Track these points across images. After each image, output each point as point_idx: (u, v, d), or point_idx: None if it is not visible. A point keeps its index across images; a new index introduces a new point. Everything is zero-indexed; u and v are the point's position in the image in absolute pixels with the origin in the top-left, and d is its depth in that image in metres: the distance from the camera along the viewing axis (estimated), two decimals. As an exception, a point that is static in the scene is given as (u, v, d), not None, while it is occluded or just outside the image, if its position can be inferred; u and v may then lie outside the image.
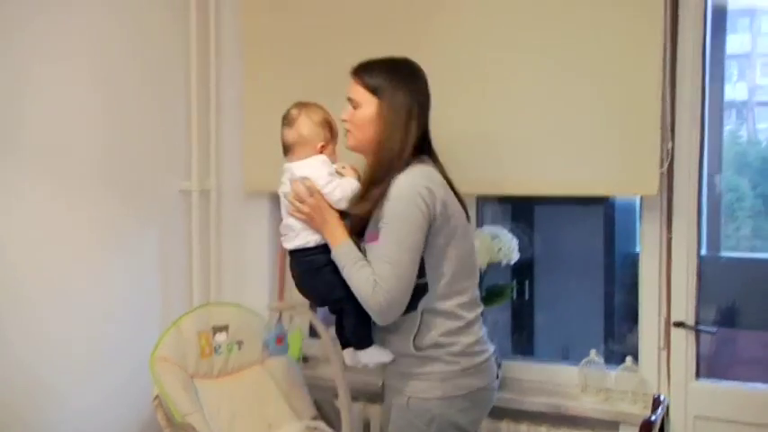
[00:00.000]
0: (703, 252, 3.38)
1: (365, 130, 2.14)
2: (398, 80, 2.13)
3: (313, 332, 3.03)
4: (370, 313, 2.05)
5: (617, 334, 3.33)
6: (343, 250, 2.09)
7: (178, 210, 3.06)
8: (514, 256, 2.73)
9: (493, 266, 2.72)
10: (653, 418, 1.95)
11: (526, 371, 2.82)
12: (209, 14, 3.13)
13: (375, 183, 2.10)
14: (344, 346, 2.25)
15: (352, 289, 2.06)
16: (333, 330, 2.32)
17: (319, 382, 2.88)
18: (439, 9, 2.74)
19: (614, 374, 2.62)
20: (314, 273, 2.16)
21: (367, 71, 2.15)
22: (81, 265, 2.65)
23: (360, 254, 2.09)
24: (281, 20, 3.01)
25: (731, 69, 3.84)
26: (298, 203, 2.15)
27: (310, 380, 2.87)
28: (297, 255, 2.19)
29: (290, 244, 2.20)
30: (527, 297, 3.59)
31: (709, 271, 3.15)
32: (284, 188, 2.22)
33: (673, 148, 2.51)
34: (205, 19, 3.12)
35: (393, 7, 2.81)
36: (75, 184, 2.62)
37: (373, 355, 2.18)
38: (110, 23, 2.75)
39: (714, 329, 2.57)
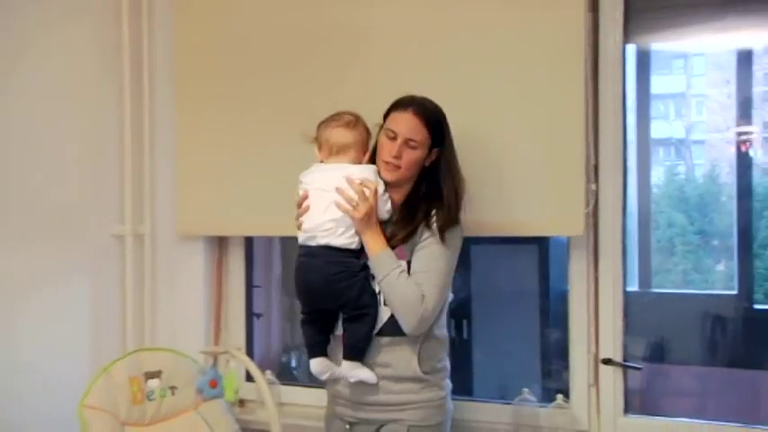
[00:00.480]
0: (635, 288, 3.47)
1: (413, 169, 2.23)
2: (447, 129, 2.28)
3: (249, 375, 3.01)
4: (406, 323, 2.13)
5: (552, 371, 3.37)
6: (387, 257, 2.16)
7: (111, 254, 3.03)
8: (450, 296, 2.76)
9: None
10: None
11: (465, 410, 2.84)
12: (143, 55, 3.12)
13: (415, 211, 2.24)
14: (317, 355, 2.25)
15: (391, 296, 2.13)
16: (320, 361, 2.27)
17: (254, 426, 2.86)
18: (366, 44, 2.78)
19: (546, 412, 2.65)
20: (348, 276, 2.16)
21: (430, 116, 2.23)
22: (8, 311, 2.60)
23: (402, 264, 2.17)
24: (214, 61, 3.02)
25: (668, 108, 3.98)
26: (357, 202, 2.16)
27: (246, 423, 2.85)
28: (333, 253, 2.18)
29: (333, 240, 2.17)
30: (465, 336, 3.62)
31: (640, 307, 3.24)
32: (333, 183, 2.19)
33: (597, 189, 2.58)
34: (138, 60, 3.12)
35: (317, 45, 2.84)
36: (3, 229, 2.59)
37: (362, 372, 2.19)
38: (41, 63, 2.74)
39: (640, 366, 2.63)
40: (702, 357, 3.28)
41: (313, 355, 2.24)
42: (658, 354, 3.19)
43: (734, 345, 3.26)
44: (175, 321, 3.13)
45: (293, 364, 3.61)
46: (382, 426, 2.23)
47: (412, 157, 2.19)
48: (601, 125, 2.60)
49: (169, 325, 3.14)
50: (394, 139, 2.19)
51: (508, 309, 3.69)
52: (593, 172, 2.58)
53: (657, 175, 3.73)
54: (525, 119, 2.57)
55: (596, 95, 2.59)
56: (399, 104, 2.24)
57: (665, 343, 3.24)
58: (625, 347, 2.64)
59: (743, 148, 3.24)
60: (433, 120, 2.22)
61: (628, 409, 2.65)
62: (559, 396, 2.66)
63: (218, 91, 3.01)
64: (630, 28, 2.65)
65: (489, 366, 3.64)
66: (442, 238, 2.17)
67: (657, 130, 3.80)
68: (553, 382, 3.27)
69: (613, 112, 2.59)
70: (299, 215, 2.24)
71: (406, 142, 2.18)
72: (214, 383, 2.71)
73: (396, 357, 2.19)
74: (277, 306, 3.53)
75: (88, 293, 2.93)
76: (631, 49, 2.87)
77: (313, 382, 3.62)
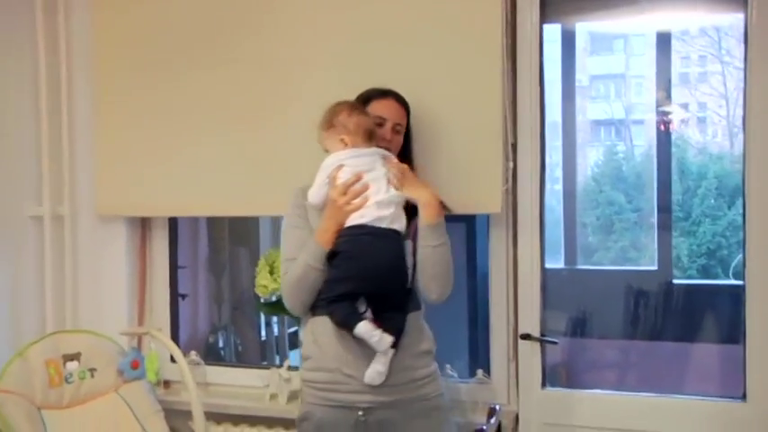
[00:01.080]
0: (560, 265, 3.54)
1: (398, 147, 2.33)
2: None
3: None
4: (446, 289, 2.24)
5: (478, 348, 3.44)
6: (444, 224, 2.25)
7: (29, 236, 2.97)
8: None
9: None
10: (484, 426, 2.05)
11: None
12: (59, 33, 3.05)
13: None
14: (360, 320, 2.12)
15: (442, 263, 2.21)
16: (369, 323, 2.12)
17: (179, 407, 2.84)
18: (284, 29, 2.77)
19: (467, 387, 2.70)
20: (403, 258, 2.18)
21: (405, 102, 2.35)
22: None
23: None
24: (133, 37, 2.96)
25: (608, 89, 4.06)
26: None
27: (170, 404, 2.84)
28: (398, 237, 2.18)
29: (398, 224, 2.19)
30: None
31: (562, 283, 3.31)
32: (381, 167, 2.21)
33: (516, 167, 2.62)
34: (54, 37, 3.04)
35: (235, 26, 2.83)
36: None
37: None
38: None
39: (557, 340, 2.69)
40: (623, 331, 3.38)
41: (358, 320, 2.11)
42: (582, 329, 3.28)
43: (654, 318, 3.37)
44: (98, 304, 3.08)
45: (220, 344, 3.62)
46: (403, 410, 2.17)
47: (399, 141, 2.31)
48: (519, 105, 2.63)
49: (92, 308, 3.09)
50: (381, 125, 2.26)
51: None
52: (512, 151, 2.61)
53: (597, 155, 3.83)
54: (445, 99, 2.59)
55: (515, 76, 2.62)
56: (377, 94, 2.32)
57: (587, 318, 3.33)
58: (544, 323, 2.69)
59: (662, 128, 3.34)
60: (407, 106, 2.35)
61: (547, 382, 2.71)
62: (480, 371, 2.71)
63: (138, 68, 2.96)
64: (550, 9, 2.68)
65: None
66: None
67: (597, 111, 3.90)
68: (478, 359, 3.35)
69: (530, 92, 2.62)
70: (355, 196, 2.16)
71: (394, 127, 2.28)
72: (136, 364, 2.69)
73: (416, 332, 2.23)
74: (204, 286, 3.52)
75: (5, 277, 2.87)
76: (555, 29, 2.92)
77: (241, 362, 3.65)
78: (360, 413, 2.14)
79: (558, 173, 3.37)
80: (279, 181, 2.69)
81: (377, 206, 2.14)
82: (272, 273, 2.73)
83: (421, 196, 2.19)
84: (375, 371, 2.10)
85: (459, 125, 2.58)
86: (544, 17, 2.65)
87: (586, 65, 3.62)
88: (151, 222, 3.13)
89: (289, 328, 3.72)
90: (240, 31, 2.82)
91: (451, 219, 3.39)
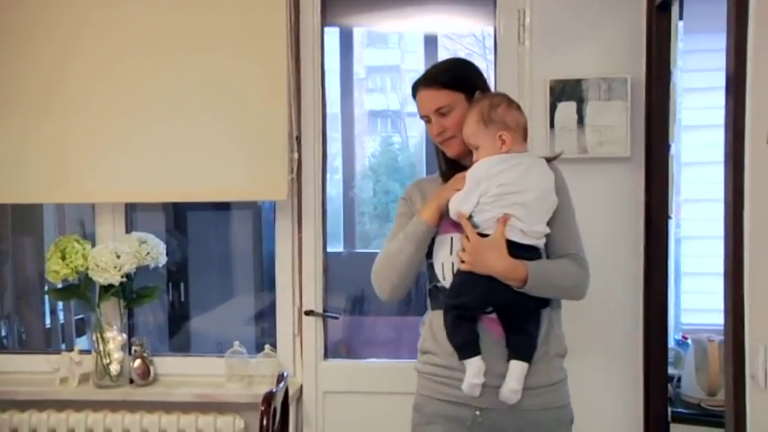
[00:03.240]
0: (340, 249, 3.81)
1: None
2: (474, 71, 2.14)
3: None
4: (574, 296, 2.01)
5: (266, 326, 3.64)
6: None
7: None
8: (162, 259, 2.92)
9: (142, 269, 2.90)
10: (274, 389, 2.26)
11: (179, 365, 3.03)
12: None
13: None
14: (476, 353, 1.94)
15: (563, 278, 1.96)
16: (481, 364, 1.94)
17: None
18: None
19: (255, 361, 2.91)
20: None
21: (441, 78, 2.08)
22: None
23: None
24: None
25: (384, 82, 4.31)
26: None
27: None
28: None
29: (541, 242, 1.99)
30: (182, 298, 3.78)
31: (344, 265, 3.58)
32: (539, 183, 1.99)
33: (300, 158, 2.86)
34: None
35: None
36: None
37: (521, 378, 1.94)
38: None
39: (338, 315, 2.97)
40: (395, 308, 3.71)
41: (473, 353, 1.94)
42: (360, 307, 3.56)
43: (418, 297, 3.73)
44: None
45: (3, 333, 3.56)
46: (521, 417, 1.96)
47: (452, 119, 2.05)
48: (303, 100, 2.87)
49: None
50: (429, 121, 2.09)
51: (224, 271, 3.91)
52: (297, 143, 2.85)
53: (374, 146, 4.09)
54: (236, 97, 2.79)
55: (299, 74, 2.86)
56: (413, 90, 2.14)
57: (365, 297, 3.62)
58: (326, 301, 2.96)
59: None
60: (447, 79, 2.08)
61: (328, 354, 2.99)
62: (267, 346, 2.92)
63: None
64: (330, 12, 2.95)
65: (206, 325, 3.82)
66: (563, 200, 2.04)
67: (374, 102, 4.13)
68: (265, 336, 3.55)
69: (313, 89, 2.88)
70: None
71: (437, 115, 2.06)
72: None
73: (546, 333, 2.01)
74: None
75: None
76: (334, 31, 3.18)
77: (26, 348, 3.61)
78: (477, 412, 1.97)
79: (338, 163, 3.62)
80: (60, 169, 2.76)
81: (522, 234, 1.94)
82: (63, 258, 2.78)
83: (496, 272, 1.91)
84: (510, 389, 1.91)
85: (249, 120, 2.79)
86: (324, 19, 2.92)
87: (363, 56, 3.79)
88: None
89: (75, 315, 3.73)
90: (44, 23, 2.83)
91: (237, 206, 3.61)
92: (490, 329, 1.95)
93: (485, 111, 1.97)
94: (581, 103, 2.68)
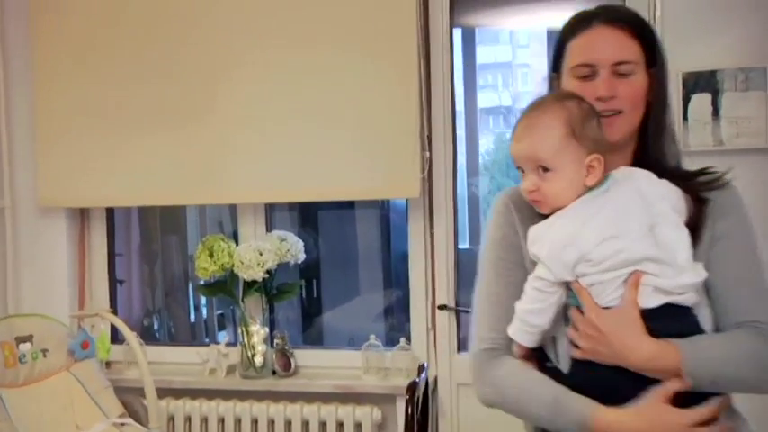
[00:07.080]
0: (466, 245, 3.87)
1: (640, 109, 1.45)
2: (656, 36, 1.48)
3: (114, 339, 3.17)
4: (760, 390, 1.35)
5: (396, 320, 3.74)
6: None
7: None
8: (301, 257, 3.07)
9: (282, 267, 3.06)
10: (417, 380, 2.34)
11: (316, 357, 3.16)
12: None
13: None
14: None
15: (737, 368, 1.32)
16: None
17: (124, 384, 3.04)
18: (223, 22, 2.99)
19: (390, 354, 3.01)
20: None
21: (632, 20, 1.45)
22: None
23: None
24: (71, 25, 3.09)
25: (496, 78, 4.34)
26: None
27: (116, 382, 3.01)
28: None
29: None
30: (315, 294, 3.94)
31: (473, 261, 3.63)
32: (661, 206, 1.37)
33: (431, 157, 2.94)
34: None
35: (175, 16, 3.04)
36: None
37: None
38: None
39: (470, 310, 3.02)
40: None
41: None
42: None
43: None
44: (41, 291, 3.22)
45: (155, 326, 3.81)
46: None
47: (631, 88, 1.41)
48: (433, 100, 2.95)
49: (35, 294, 3.22)
50: (591, 76, 1.42)
51: (354, 267, 4.05)
52: (428, 141, 2.93)
53: (487, 143, 4.13)
54: (368, 97, 2.89)
55: (429, 74, 2.94)
56: (579, 23, 1.46)
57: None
58: (458, 296, 3.04)
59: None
60: (639, 25, 1.45)
61: (461, 347, 3.05)
62: (402, 339, 3.01)
63: (77, 62, 3.09)
64: (458, 12, 3.01)
65: (338, 319, 3.97)
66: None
67: (486, 99, 4.16)
68: (396, 331, 3.65)
69: (443, 89, 2.95)
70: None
71: (614, 70, 1.41)
72: (86, 344, 2.88)
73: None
74: (137, 273, 3.69)
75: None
76: (457, 31, 3.24)
77: (174, 341, 3.86)
78: None
79: (462, 160, 3.67)
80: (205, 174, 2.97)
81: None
82: (211, 255, 2.96)
83: (631, 364, 1.31)
84: None
85: (380, 120, 2.88)
86: (453, 21, 2.99)
87: (476, 54, 3.80)
88: (90, 212, 3.30)
89: (217, 310, 3.95)
90: (176, 35, 3.03)
91: (365, 205, 3.72)
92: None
93: (575, 119, 1.35)
94: (716, 94, 2.65)
